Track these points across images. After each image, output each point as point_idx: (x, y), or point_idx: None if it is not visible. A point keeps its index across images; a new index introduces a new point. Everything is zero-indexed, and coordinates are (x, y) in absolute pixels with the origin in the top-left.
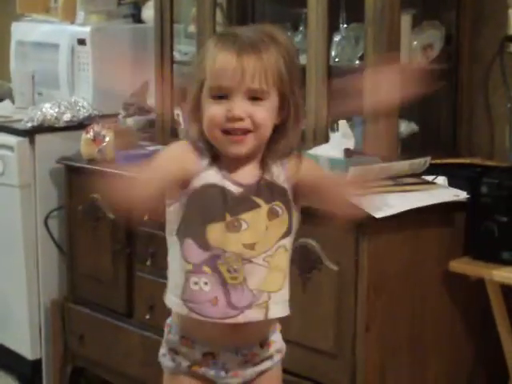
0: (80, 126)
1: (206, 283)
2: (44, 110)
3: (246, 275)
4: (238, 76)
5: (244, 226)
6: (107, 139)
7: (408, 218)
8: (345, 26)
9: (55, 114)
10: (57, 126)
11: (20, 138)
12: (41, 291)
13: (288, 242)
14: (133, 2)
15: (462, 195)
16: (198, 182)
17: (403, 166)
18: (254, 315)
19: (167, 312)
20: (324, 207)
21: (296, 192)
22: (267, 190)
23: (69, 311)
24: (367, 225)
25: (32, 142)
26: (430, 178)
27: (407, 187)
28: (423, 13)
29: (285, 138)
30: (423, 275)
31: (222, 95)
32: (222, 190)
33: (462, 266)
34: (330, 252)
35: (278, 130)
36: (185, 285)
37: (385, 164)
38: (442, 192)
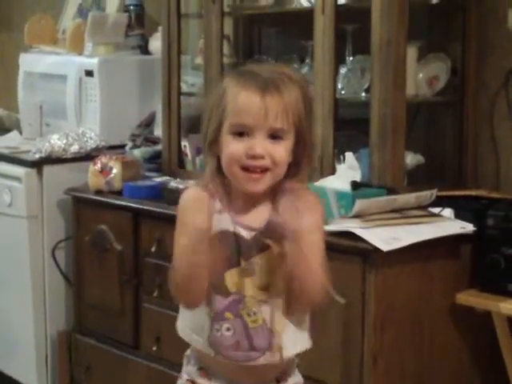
0: (87, 157)
1: (228, 329)
2: (52, 141)
3: (264, 316)
4: (262, 115)
5: (257, 268)
6: (114, 171)
7: (415, 250)
8: (351, 58)
9: (63, 146)
10: (64, 157)
11: (28, 169)
12: (48, 322)
13: None
14: (140, 34)
15: (469, 227)
16: (214, 227)
17: (409, 198)
18: (272, 358)
19: (174, 344)
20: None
21: None
22: (278, 230)
23: (75, 342)
24: (374, 258)
25: (40, 173)
26: (436, 210)
27: (414, 220)
28: (429, 45)
29: (297, 175)
30: (430, 308)
31: (243, 132)
32: (235, 236)
33: (469, 298)
34: (337, 285)
35: (290, 168)
36: (208, 328)
37: (391, 197)
38: (448, 224)
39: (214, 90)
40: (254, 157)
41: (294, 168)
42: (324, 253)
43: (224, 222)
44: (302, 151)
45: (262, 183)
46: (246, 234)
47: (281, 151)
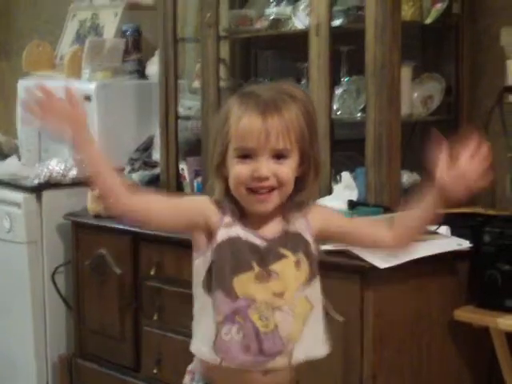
0: (86, 182)
1: (237, 332)
2: (50, 166)
3: (277, 323)
4: (263, 138)
5: (274, 276)
6: None
7: (412, 267)
8: (346, 79)
9: (61, 171)
10: (63, 182)
11: (27, 195)
12: (48, 347)
13: (310, 290)
14: (137, 59)
15: (465, 244)
16: (222, 236)
17: None
18: (281, 361)
19: (174, 366)
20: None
21: (321, 238)
22: (292, 240)
23: (76, 366)
24: (372, 275)
25: (39, 198)
26: (433, 227)
27: None
28: (423, 65)
29: (305, 190)
30: (428, 324)
31: (247, 155)
32: (247, 242)
33: (467, 314)
34: (335, 303)
35: (298, 183)
36: (216, 335)
37: (388, 215)
38: (445, 241)
39: (218, 112)
40: (259, 179)
41: (302, 182)
42: None
43: (235, 231)
44: (308, 166)
45: (270, 203)
46: (259, 242)
47: (285, 170)
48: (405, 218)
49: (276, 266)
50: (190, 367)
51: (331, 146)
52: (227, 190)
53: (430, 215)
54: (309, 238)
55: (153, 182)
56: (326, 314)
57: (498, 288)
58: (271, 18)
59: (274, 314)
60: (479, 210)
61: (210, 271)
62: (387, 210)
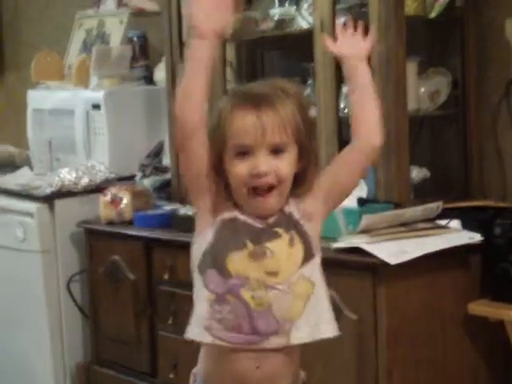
0: (98, 189)
1: (229, 311)
2: (62, 175)
3: (271, 302)
4: (259, 133)
5: (268, 254)
6: (125, 201)
7: (424, 263)
8: None
9: (73, 179)
10: (75, 190)
11: (39, 204)
12: (65, 355)
13: (308, 270)
14: (145, 65)
15: (477, 238)
16: (223, 216)
17: (416, 211)
18: (278, 341)
19: (191, 370)
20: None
21: (327, 205)
22: (285, 220)
23: (94, 374)
24: (383, 272)
25: (51, 207)
26: (443, 222)
27: (421, 232)
28: (429, 59)
29: (305, 184)
30: (442, 319)
31: (244, 152)
32: (244, 222)
33: (481, 308)
34: (348, 301)
35: (298, 178)
36: (209, 315)
37: (398, 211)
38: (456, 235)
39: (212, 110)
40: (258, 175)
41: (301, 177)
42: None
43: (232, 213)
44: (307, 161)
45: (269, 202)
46: (256, 222)
47: (284, 165)
48: (351, 114)
49: (270, 245)
50: (194, 370)
51: (339, 144)
52: (227, 188)
53: (358, 85)
54: (299, 218)
55: (164, 187)
56: (340, 313)
57: (511, 280)
58: (276, 18)
59: (268, 293)
60: (490, 202)
61: (206, 252)
62: (397, 206)
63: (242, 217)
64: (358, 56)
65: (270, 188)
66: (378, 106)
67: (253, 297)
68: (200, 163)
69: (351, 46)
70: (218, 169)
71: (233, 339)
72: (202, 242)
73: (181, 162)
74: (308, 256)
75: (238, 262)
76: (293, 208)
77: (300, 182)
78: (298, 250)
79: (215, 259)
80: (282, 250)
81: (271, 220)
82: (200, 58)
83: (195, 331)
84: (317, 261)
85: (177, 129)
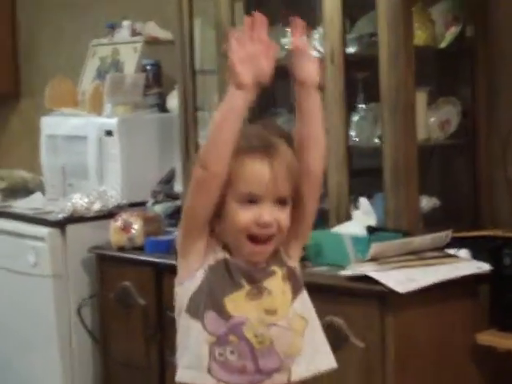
0: (110, 215)
1: (232, 352)
2: (74, 200)
3: (273, 338)
4: (272, 184)
5: (265, 292)
6: (136, 227)
7: (432, 291)
8: (363, 105)
9: (85, 204)
10: (87, 215)
11: (51, 229)
12: (75, 379)
13: (298, 305)
14: (158, 93)
15: (485, 267)
16: (213, 258)
17: (425, 240)
18: (280, 378)
19: None
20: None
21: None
22: (276, 257)
23: None
24: (391, 300)
25: (63, 232)
26: (452, 251)
27: (430, 261)
28: (439, 89)
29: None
30: (450, 348)
31: (252, 200)
32: (236, 264)
33: (489, 338)
34: (355, 329)
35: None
36: (209, 357)
37: (406, 239)
38: (464, 265)
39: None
40: (264, 225)
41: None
42: None
43: (220, 256)
44: (302, 209)
45: (267, 253)
46: (246, 262)
47: (285, 217)
48: (297, 138)
49: (266, 283)
50: None
51: (349, 173)
52: (222, 232)
53: (308, 111)
54: (283, 254)
55: (175, 214)
56: (347, 341)
57: None
58: (287, 47)
59: (269, 329)
60: (499, 232)
61: (196, 294)
62: (406, 234)
63: (232, 259)
64: (311, 81)
65: (271, 237)
66: (324, 135)
67: (255, 335)
68: (211, 205)
69: (302, 67)
70: (217, 210)
71: (237, 380)
72: (189, 285)
73: (192, 201)
74: (296, 291)
75: (236, 302)
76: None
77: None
78: (289, 285)
79: (213, 301)
80: (278, 287)
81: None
82: (235, 107)
83: (193, 375)
84: (304, 294)
85: (198, 169)
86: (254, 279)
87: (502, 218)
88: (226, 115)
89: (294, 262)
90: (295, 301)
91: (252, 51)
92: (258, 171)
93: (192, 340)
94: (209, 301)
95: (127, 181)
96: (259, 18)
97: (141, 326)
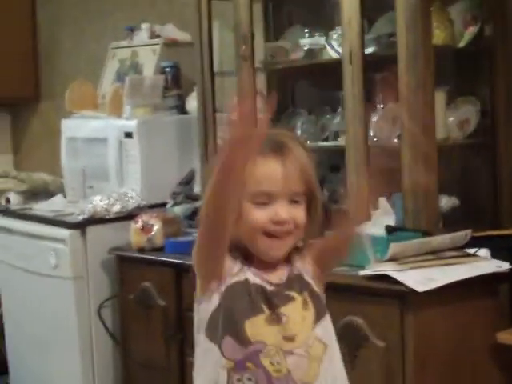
0: (129, 216)
1: (249, 379)
2: (94, 202)
3: (289, 367)
4: (285, 182)
5: (284, 319)
6: (155, 228)
7: (452, 291)
8: (381, 106)
9: (105, 206)
10: (107, 217)
11: (72, 231)
12: (96, 380)
13: (320, 331)
14: (177, 94)
15: (505, 266)
16: (231, 280)
17: (444, 239)
18: None
19: None
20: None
21: (321, 273)
22: (297, 282)
23: None
24: (411, 300)
25: (83, 234)
26: (472, 250)
27: (449, 260)
28: (458, 89)
29: (311, 233)
30: (470, 347)
31: (265, 200)
32: (255, 286)
33: (510, 337)
34: (375, 328)
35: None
36: (225, 382)
37: (425, 239)
38: (484, 264)
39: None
40: (279, 222)
41: (308, 227)
42: None
43: (243, 275)
44: (315, 210)
45: (284, 248)
46: (267, 285)
47: (301, 214)
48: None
49: (285, 309)
50: None
51: (368, 173)
52: (237, 237)
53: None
54: (308, 278)
55: (195, 215)
56: (367, 340)
57: None
58: (305, 48)
59: (286, 358)
60: None
61: (214, 315)
62: (425, 234)
63: (252, 278)
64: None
65: (288, 233)
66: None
67: (271, 363)
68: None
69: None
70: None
71: None
72: (206, 303)
73: (207, 237)
74: (319, 316)
75: (256, 327)
76: (300, 268)
77: (306, 235)
78: (311, 311)
79: (231, 325)
80: (297, 313)
81: (283, 281)
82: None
83: None
84: (327, 319)
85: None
86: (273, 305)
87: None
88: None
89: (317, 283)
90: (317, 326)
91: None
92: (270, 169)
93: (210, 363)
94: (227, 324)
95: (147, 182)
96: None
97: (161, 326)
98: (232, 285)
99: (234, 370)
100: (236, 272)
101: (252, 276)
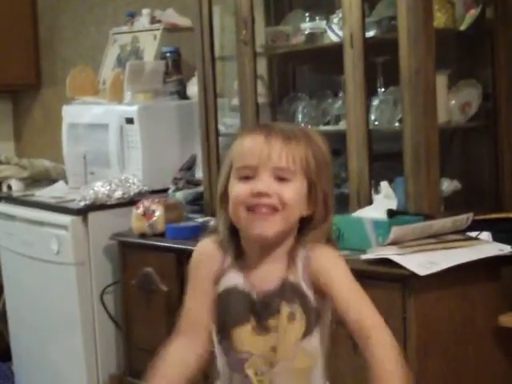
0: (131, 202)
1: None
2: (96, 188)
3: (271, 379)
4: (265, 154)
5: (270, 329)
6: (157, 213)
7: (453, 274)
8: (383, 89)
9: (107, 192)
10: (108, 203)
11: (74, 217)
12: (99, 366)
13: (308, 345)
14: (178, 80)
15: (507, 249)
16: (222, 286)
17: (446, 223)
18: None
19: None
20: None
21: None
22: (289, 292)
23: None
24: (413, 283)
25: (85, 220)
26: (473, 234)
27: (451, 244)
28: (459, 72)
29: (313, 229)
30: (473, 331)
31: (248, 176)
32: (244, 294)
33: None
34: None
35: (307, 223)
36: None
37: (427, 222)
38: (486, 247)
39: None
40: (258, 194)
41: (311, 223)
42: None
43: (233, 279)
44: (315, 204)
45: (271, 225)
46: (256, 293)
47: (288, 191)
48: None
49: (272, 321)
50: None
51: (369, 157)
52: (230, 223)
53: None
54: (307, 290)
55: (196, 200)
56: None
57: None
58: (306, 32)
59: (270, 369)
60: None
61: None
62: (427, 217)
63: (240, 282)
64: None
65: (273, 210)
66: None
67: (256, 373)
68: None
69: None
70: (224, 197)
71: None
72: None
73: None
74: (309, 330)
75: (243, 336)
76: (300, 276)
77: (309, 228)
78: (300, 323)
79: (221, 333)
80: (282, 325)
81: (274, 287)
82: None
83: None
84: (317, 332)
85: None
86: (260, 315)
87: None
88: None
89: (320, 295)
90: (305, 340)
91: None
92: (252, 143)
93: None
94: (218, 331)
95: (148, 168)
96: None
97: (163, 312)
98: (224, 291)
99: (219, 377)
100: (228, 266)
101: (242, 281)
